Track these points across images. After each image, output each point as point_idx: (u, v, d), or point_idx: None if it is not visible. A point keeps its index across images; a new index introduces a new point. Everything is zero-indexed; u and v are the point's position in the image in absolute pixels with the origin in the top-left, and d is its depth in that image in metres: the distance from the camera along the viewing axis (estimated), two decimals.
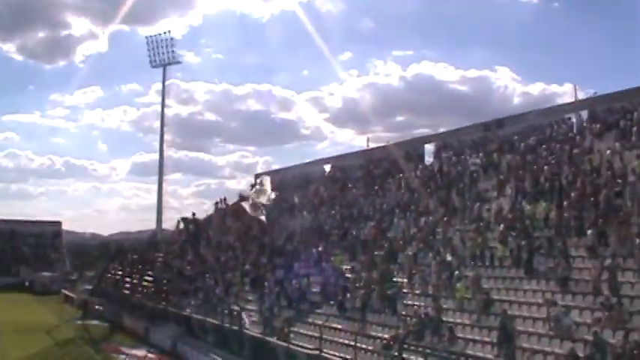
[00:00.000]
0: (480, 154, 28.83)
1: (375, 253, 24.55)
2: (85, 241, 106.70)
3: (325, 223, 31.97)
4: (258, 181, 45.15)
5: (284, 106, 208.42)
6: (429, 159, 36.02)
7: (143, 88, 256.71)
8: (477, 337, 16.61)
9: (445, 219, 23.97)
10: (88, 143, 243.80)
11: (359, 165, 40.87)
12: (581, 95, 33.07)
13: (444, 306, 18.73)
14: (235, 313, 25.53)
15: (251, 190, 44.22)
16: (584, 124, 26.40)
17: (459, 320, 17.91)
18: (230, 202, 48.37)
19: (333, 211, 33.64)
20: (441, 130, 39.45)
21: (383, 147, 42.49)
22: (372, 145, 46.02)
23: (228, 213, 42.99)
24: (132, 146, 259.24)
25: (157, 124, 66.07)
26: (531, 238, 18.95)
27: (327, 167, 44.86)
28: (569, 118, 27.99)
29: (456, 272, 19.41)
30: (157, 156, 62.37)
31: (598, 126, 24.82)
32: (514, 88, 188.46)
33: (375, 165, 39.17)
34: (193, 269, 35.24)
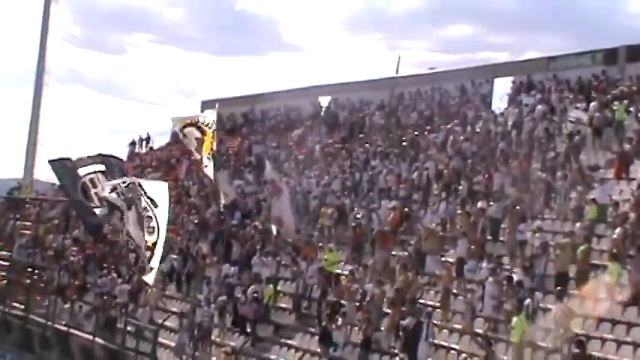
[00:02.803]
0: (593, 104, 28.30)
1: (394, 253, 24.38)
2: None
3: (312, 195, 31.73)
4: (207, 112, 45.30)
5: None
6: (499, 103, 36.16)
7: None
8: None
9: (516, 208, 23.59)
10: None
11: (379, 103, 40.82)
12: None
13: (504, 358, 18.53)
14: (147, 331, 25.32)
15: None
16: None
17: None
18: (156, 146, 48.66)
19: (326, 176, 33.43)
20: (528, 56, 39.41)
21: (423, 76, 42.42)
22: (405, 70, 45.95)
23: (151, 162, 43.37)
24: None
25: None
26: None
27: (325, 101, 44.91)
28: None
29: (527, 301, 18.98)
30: (34, 55, 60.60)
31: None
32: None
33: (405, 106, 39.11)
34: (82, 253, 34.58)
